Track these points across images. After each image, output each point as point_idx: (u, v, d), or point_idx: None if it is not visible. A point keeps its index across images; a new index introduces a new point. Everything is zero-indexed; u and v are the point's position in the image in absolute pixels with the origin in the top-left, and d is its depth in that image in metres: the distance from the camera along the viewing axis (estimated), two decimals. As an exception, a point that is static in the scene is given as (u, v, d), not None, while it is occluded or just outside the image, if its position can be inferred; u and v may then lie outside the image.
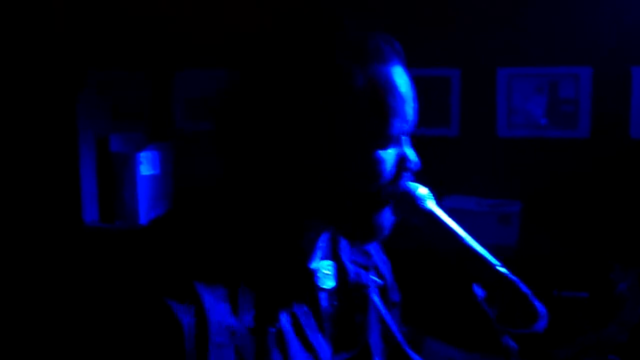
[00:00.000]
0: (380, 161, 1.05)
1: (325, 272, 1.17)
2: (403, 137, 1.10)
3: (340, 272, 1.21)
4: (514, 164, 2.89)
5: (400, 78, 1.06)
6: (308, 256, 1.15)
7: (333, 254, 1.22)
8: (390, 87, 1.04)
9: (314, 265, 1.16)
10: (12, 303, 2.96)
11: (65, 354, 1.02)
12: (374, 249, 1.33)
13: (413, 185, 1.12)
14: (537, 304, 1.05)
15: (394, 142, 1.07)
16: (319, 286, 1.15)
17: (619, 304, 1.30)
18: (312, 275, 1.14)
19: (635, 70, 2.71)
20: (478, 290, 1.08)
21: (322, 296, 1.16)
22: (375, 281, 1.27)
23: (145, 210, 3.08)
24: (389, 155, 1.06)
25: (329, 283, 1.18)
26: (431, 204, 1.13)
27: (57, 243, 3.07)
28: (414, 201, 1.11)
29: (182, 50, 3.28)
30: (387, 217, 1.11)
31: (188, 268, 0.98)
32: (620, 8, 2.71)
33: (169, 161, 3.25)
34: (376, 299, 1.26)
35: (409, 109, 1.07)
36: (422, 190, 1.12)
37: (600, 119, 2.78)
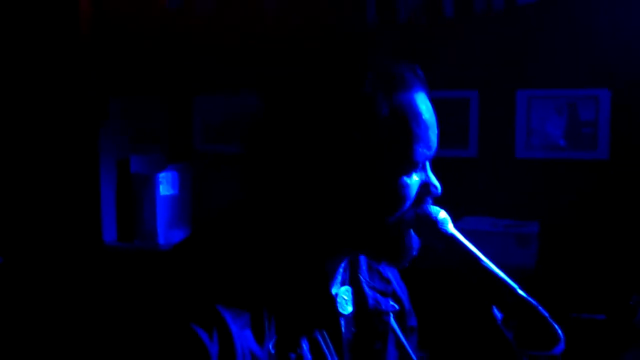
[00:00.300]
0: (405, 187, 1.06)
1: (344, 297, 1.18)
2: (427, 163, 1.11)
3: (359, 298, 1.22)
4: (532, 185, 2.88)
5: (424, 105, 1.08)
6: (330, 281, 1.15)
7: (351, 279, 1.22)
8: (414, 114, 1.06)
9: (334, 290, 1.17)
10: (34, 322, 2.98)
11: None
12: (392, 274, 1.33)
13: (434, 209, 1.13)
14: (556, 327, 1.05)
15: (418, 168, 1.08)
16: (339, 312, 1.16)
17: (637, 331, 1.29)
18: (333, 300, 1.15)
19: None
20: (497, 313, 1.08)
21: (342, 322, 1.16)
22: (394, 307, 1.27)
23: (163, 230, 3.10)
24: (413, 181, 1.08)
25: (347, 308, 1.18)
26: (452, 228, 1.14)
27: (77, 262, 3.10)
28: (435, 225, 1.12)
29: (201, 75, 3.32)
30: (414, 238, 1.12)
31: (213, 293, 0.98)
32: (638, 29, 2.71)
33: (188, 182, 3.27)
34: (395, 325, 1.27)
35: (433, 135, 1.09)
36: (442, 215, 1.13)
37: (619, 141, 2.77)
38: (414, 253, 1.12)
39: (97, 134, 3.07)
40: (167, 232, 3.11)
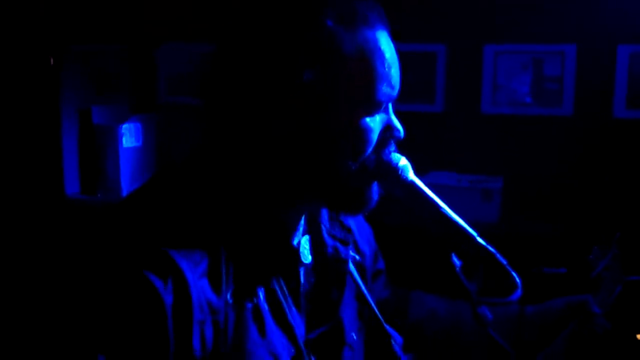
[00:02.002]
0: (367, 129, 1.05)
1: (305, 246, 1.17)
2: (389, 104, 1.09)
3: (318, 246, 1.21)
4: (497, 141, 2.90)
5: (386, 43, 1.06)
6: (291, 232, 1.14)
7: (310, 228, 1.21)
8: (377, 51, 1.04)
9: (296, 240, 1.16)
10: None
11: (47, 330, 1.00)
12: (354, 222, 1.32)
13: (395, 156, 1.12)
14: (514, 275, 1.06)
15: (381, 108, 1.06)
16: (301, 261, 1.15)
17: (597, 284, 1.31)
18: (295, 251, 1.14)
19: (621, 48, 2.71)
20: (456, 261, 1.08)
21: (301, 271, 1.16)
22: (354, 257, 1.27)
23: (127, 182, 3.07)
24: (375, 122, 1.06)
25: (308, 257, 1.17)
26: (412, 175, 1.13)
27: (39, 215, 3.06)
28: (396, 172, 1.12)
29: (164, 24, 3.25)
30: (375, 189, 1.11)
31: (169, 242, 0.97)
32: (606, -14, 2.71)
33: (152, 133, 3.23)
34: (355, 273, 1.26)
35: (396, 74, 1.07)
36: (403, 162, 1.13)
37: (584, 97, 2.79)
38: (373, 204, 1.11)
39: (58, 83, 3.00)
40: (130, 185, 3.08)
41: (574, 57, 2.77)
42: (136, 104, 3.33)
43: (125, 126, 3.06)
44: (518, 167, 2.86)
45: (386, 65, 1.04)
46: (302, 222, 1.17)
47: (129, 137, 3.08)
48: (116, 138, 3.03)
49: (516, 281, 1.07)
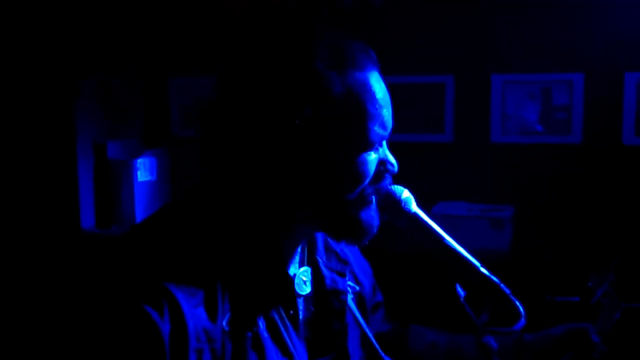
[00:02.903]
0: (362, 165, 1.07)
1: (302, 277, 1.19)
2: (383, 142, 1.12)
3: (317, 278, 1.23)
4: (507, 170, 2.91)
5: (377, 84, 1.08)
6: (287, 262, 1.17)
7: (309, 260, 1.23)
8: (367, 92, 1.06)
9: (292, 270, 1.18)
10: (8, 308, 2.97)
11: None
12: (352, 254, 1.34)
13: (398, 188, 1.15)
14: (517, 304, 1.07)
15: (374, 147, 1.09)
16: (297, 292, 1.17)
17: (596, 311, 1.32)
18: (291, 281, 1.16)
19: (628, 76, 2.73)
20: (460, 291, 1.10)
21: (299, 302, 1.18)
22: (353, 287, 1.29)
23: (141, 216, 3.10)
24: (370, 158, 1.08)
25: (305, 289, 1.19)
26: (415, 207, 1.15)
27: (54, 248, 3.09)
28: (399, 204, 1.14)
29: (176, 57, 3.31)
30: (373, 216, 1.13)
31: (165, 273, 0.99)
32: (612, 15, 2.74)
33: (166, 167, 3.27)
34: (352, 305, 1.28)
35: (387, 114, 1.09)
36: (405, 194, 1.15)
37: (592, 125, 2.80)
38: (374, 231, 1.13)
39: (73, 118, 3.05)
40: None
41: (581, 85, 2.79)
42: (150, 137, 3.38)
43: (139, 161, 3.11)
44: (528, 195, 2.86)
45: (377, 106, 1.07)
46: (298, 252, 1.19)
47: (143, 172, 3.13)
48: (131, 172, 3.08)
49: (520, 310, 1.08)
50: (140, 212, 3.11)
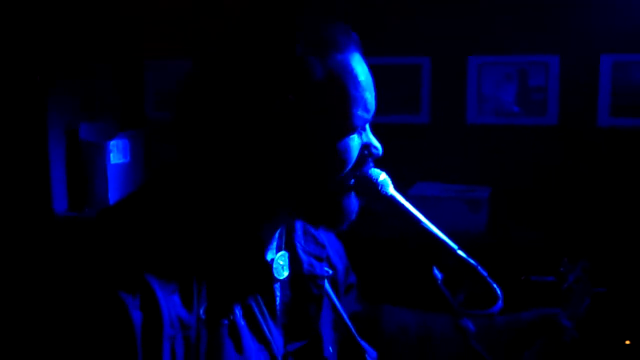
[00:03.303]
0: (345, 150, 1.05)
1: (280, 262, 1.17)
2: (367, 125, 1.10)
3: (294, 263, 1.21)
4: (483, 151, 2.92)
5: (359, 66, 1.06)
6: (265, 247, 1.15)
7: (287, 244, 1.22)
8: (350, 76, 1.04)
9: (270, 256, 1.16)
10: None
11: (22, 347, 1.00)
12: (327, 238, 1.33)
13: (374, 171, 1.13)
14: (494, 286, 1.07)
15: (357, 130, 1.07)
16: (275, 277, 1.15)
17: (567, 296, 1.33)
18: (269, 266, 1.14)
19: (604, 58, 2.74)
20: (437, 273, 1.09)
21: (276, 287, 1.16)
22: (327, 272, 1.28)
23: (115, 199, 3.06)
24: (353, 143, 1.06)
25: (283, 273, 1.18)
26: (392, 190, 1.14)
27: (27, 232, 3.05)
28: (376, 187, 1.12)
29: (151, 40, 3.26)
30: (354, 202, 1.11)
31: (140, 259, 0.97)
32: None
33: (140, 149, 3.23)
34: (329, 289, 1.27)
35: (370, 97, 1.07)
36: (382, 176, 1.14)
37: (568, 107, 2.81)
38: (353, 217, 1.12)
39: (45, 101, 3.00)
40: (119, 201, 3.08)
41: (557, 67, 2.80)
42: (124, 121, 3.33)
43: (112, 143, 3.07)
44: (504, 176, 2.87)
45: (360, 89, 1.05)
46: (276, 237, 1.18)
47: (116, 154, 3.09)
48: (104, 155, 3.04)
49: (497, 293, 1.07)
50: (113, 195, 3.07)
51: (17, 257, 2.98)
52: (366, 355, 1.28)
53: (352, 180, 1.10)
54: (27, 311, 1.01)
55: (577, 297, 1.32)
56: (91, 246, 1.01)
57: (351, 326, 1.28)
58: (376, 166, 1.14)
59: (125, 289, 0.93)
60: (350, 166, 1.07)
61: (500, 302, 1.06)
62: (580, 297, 1.32)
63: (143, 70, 3.33)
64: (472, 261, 1.09)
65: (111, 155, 3.05)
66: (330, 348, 1.23)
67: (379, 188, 1.12)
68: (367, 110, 1.07)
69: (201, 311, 1.00)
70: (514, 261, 2.49)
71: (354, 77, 1.04)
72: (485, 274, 1.08)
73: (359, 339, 1.28)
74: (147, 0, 3.23)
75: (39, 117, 3.02)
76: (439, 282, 1.09)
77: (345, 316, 1.28)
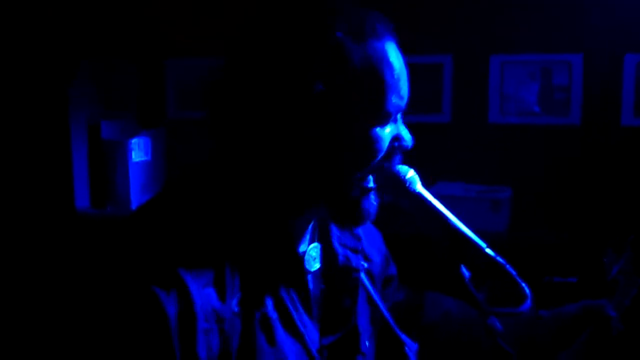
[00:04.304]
0: (378, 139, 1.05)
1: (311, 254, 1.17)
2: (398, 115, 1.10)
3: (329, 255, 1.21)
4: (505, 151, 2.90)
5: (395, 54, 1.06)
6: (297, 240, 1.15)
7: (321, 237, 1.22)
8: (386, 62, 1.04)
9: (302, 248, 1.16)
10: (4, 290, 2.96)
11: (55, 342, 1.01)
12: (364, 229, 1.33)
13: (403, 168, 1.13)
14: (523, 285, 1.06)
15: (390, 119, 1.07)
16: (306, 269, 1.15)
17: (612, 288, 1.31)
18: (300, 259, 1.14)
19: (628, 57, 2.72)
20: (465, 272, 1.08)
21: (309, 279, 1.16)
22: (363, 265, 1.27)
23: (136, 196, 3.08)
24: (385, 133, 1.07)
25: (315, 265, 1.18)
26: (420, 187, 1.14)
27: (49, 229, 3.07)
28: (404, 184, 1.12)
29: (173, 38, 3.27)
30: (373, 203, 1.11)
31: (173, 254, 0.97)
32: (612, -5, 2.72)
33: (161, 147, 3.25)
34: (366, 281, 1.27)
35: (404, 85, 1.07)
36: (411, 174, 1.13)
37: (591, 107, 2.79)
38: (371, 218, 1.12)
39: (67, 98, 3.02)
40: (140, 199, 3.09)
41: (581, 66, 2.77)
42: (145, 119, 3.35)
43: (134, 141, 3.08)
44: (526, 176, 2.86)
45: (395, 76, 1.05)
46: (309, 230, 1.18)
47: (138, 152, 3.10)
48: (125, 152, 3.05)
49: (526, 291, 1.07)
50: (135, 192, 3.08)
51: (39, 253, 3.01)
52: (405, 348, 1.27)
53: (373, 180, 1.10)
54: (61, 309, 1.01)
55: (622, 288, 1.30)
56: (125, 242, 1.01)
57: (390, 318, 1.27)
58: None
59: (159, 284, 0.94)
60: (380, 156, 1.07)
61: (529, 300, 1.05)
62: (626, 288, 1.30)
63: (164, 68, 3.34)
64: (500, 259, 1.08)
65: (133, 153, 3.07)
66: (367, 342, 1.23)
67: (407, 185, 1.12)
68: (400, 97, 1.07)
69: (234, 303, 1.00)
70: (536, 261, 2.47)
71: (390, 63, 1.04)
72: (513, 272, 1.07)
73: (398, 332, 1.27)
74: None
75: (60, 114, 3.04)
76: (467, 280, 1.08)
77: (383, 308, 1.27)
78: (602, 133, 2.78)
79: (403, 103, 1.08)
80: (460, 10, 2.90)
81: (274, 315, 1.06)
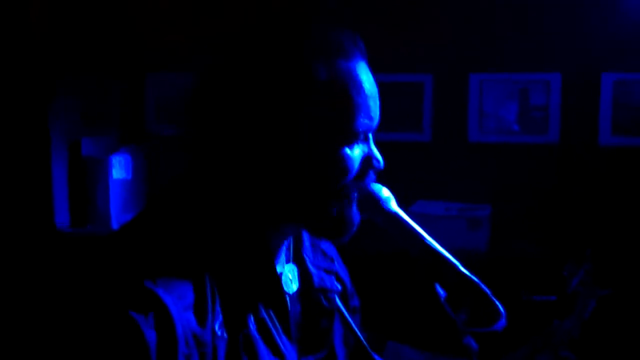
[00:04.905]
0: (346, 159, 1.05)
1: (288, 275, 1.17)
2: (369, 135, 1.10)
3: (304, 276, 1.21)
4: (485, 169, 2.92)
5: (364, 74, 1.06)
6: (274, 259, 1.14)
7: (295, 257, 1.22)
8: (354, 82, 1.04)
9: (279, 269, 1.16)
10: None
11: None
12: (334, 254, 1.33)
13: (377, 187, 1.13)
14: (497, 304, 1.06)
15: (360, 139, 1.07)
16: (285, 290, 1.15)
17: (573, 300, 1.32)
18: (279, 279, 1.14)
19: (605, 76, 2.75)
20: (440, 291, 1.09)
21: (287, 300, 1.16)
22: (337, 286, 1.27)
23: (117, 214, 3.06)
24: (355, 153, 1.06)
25: (292, 287, 1.18)
26: (394, 206, 1.14)
27: (28, 247, 3.05)
28: (379, 202, 1.12)
29: (152, 54, 3.27)
30: (355, 213, 1.11)
31: (152, 278, 0.96)
32: (589, 15, 2.75)
33: (141, 165, 3.23)
34: (340, 303, 1.27)
35: (374, 105, 1.07)
36: (385, 192, 1.14)
37: (569, 125, 2.82)
38: (354, 229, 1.11)
39: (46, 115, 3.00)
40: (120, 217, 3.08)
41: (559, 85, 2.80)
42: (125, 135, 3.34)
43: (115, 158, 3.07)
44: (506, 194, 2.87)
45: (364, 96, 1.05)
46: (284, 250, 1.17)
47: (118, 169, 3.09)
48: (106, 170, 3.04)
49: (500, 310, 1.07)
50: (115, 210, 3.06)
51: (18, 272, 2.98)
52: None
53: (355, 192, 1.09)
54: (38, 330, 1.00)
55: (583, 300, 1.31)
56: (103, 263, 1.00)
57: (363, 340, 1.27)
58: (377, 183, 1.15)
59: (137, 308, 0.92)
60: (351, 176, 1.07)
61: (503, 319, 1.06)
62: (586, 300, 1.31)
63: (144, 83, 3.33)
64: (475, 278, 1.09)
65: (113, 170, 3.05)
66: None
67: (382, 204, 1.12)
68: (370, 118, 1.07)
69: (216, 326, 0.99)
70: (516, 279, 2.48)
71: (358, 84, 1.05)
72: (488, 291, 1.07)
73: (373, 353, 1.27)
74: (150, 13, 3.24)
75: (41, 131, 3.02)
76: (442, 299, 1.09)
77: (357, 329, 1.27)
78: (580, 151, 2.81)
79: (374, 123, 1.08)
80: (441, 30, 2.93)
81: (256, 336, 1.05)
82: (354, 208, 1.10)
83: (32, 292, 2.82)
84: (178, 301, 0.96)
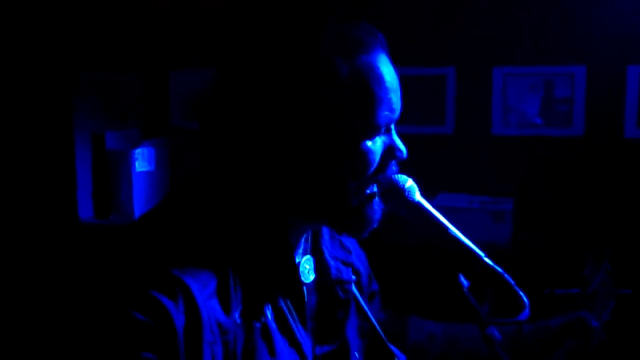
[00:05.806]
0: (368, 152, 1.05)
1: (306, 266, 1.18)
2: (391, 126, 1.10)
3: (321, 267, 1.22)
4: (508, 162, 2.90)
5: (385, 67, 1.06)
6: (294, 251, 1.15)
7: (313, 249, 1.22)
8: (375, 76, 1.04)
9: (297, 259, 1.16)
10: (7, 300, 2.96)
11: (59, 352, 1.00)
12: (351, 244, 1.33)
13: (401, 177, 1.13)
14: (521, 295, 1.06)
15: (382, 131, 1.07)
16: (302, 280, 1.15)
17: (592, 299, 1.32)
18: (297, 269, 1.14)
19: (631, 69, 2.72)
20: (463, 281, 1.09)
21: (304, 290, 1.16)
22: (353, 277, 1.28)
23: (140, 206, 3.09)
24: (376, 146, 1.06)
25: (309, 277, 1.18)
26: (419, 196, 1.14)
27: (53, 239, 3.08)
28: (402, 193, 1.12)
29: (177, 50, 3.29)
30: (376, 210, 1.11)
31: (177, 265, 0.97)
32: (615, 7, 2.72)
33: (164, 157, 3.26)
34: (357, 293, 1.27)
35: (395, 97, 1.07)
36: (409, 183, 1.13)
37: (594, 118, 2.79)
38: (375, 225, 1.11)
39: (71, 110, 3.04)
40: (143, 209, 3.10)
41: (583, 78, 2.78)
42: (148, 129, 3.37)
43: (138, 151, 3.10)
44: (529, 187, 2.86)
45: (385, 89, 1.05)
46: (302, 242, 1.18)
47: (141, 162, 3.11)
48: (129, 163, 3.06)
49: (524, 301, 1.07)
50: (138, 203, 3.09)
51: (42, 263, 3.01)
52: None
53: (375, 187, 1.09)
54: (66, 319, 1.01)
55: (602, 300, 1.31)
56: (129, 251, 1.01)
57: (380, 330, 1.27)
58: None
59: (166, 294, 0.93)
60: (372, 169, 1.07)
61: (527, 310, 1.05)
62: (606, 300, 1.31)
63: (168, 79, 3.36)
64: (498, 269, 1.08)
65: (136, 163, 3.08)
66: (356, 354, 1.23)
67: (406, 194, 1.11)
68: (392, 110, 1.06)
69: (236, 315, 1.00)
70: (539, 272, 2.47)
71: (379, 77, 1.04)
72: (512, 282, 1.07)
73: (388, 343, 1.27)
74: (173, 10, 3.26)
75: (65, 125, 3.06)
76: (465, 290, 1.08)
77: (374, 320, 1.27)
78: (605, 144, 2.78)
79: (395, 115, 1.08)
80: (463, 23, 2.91)
81: (273, 325, 1.06)
82: (375, 204, 1.10)
83: (57, 282, 2.86)
84: (203, 288, 0.97)
